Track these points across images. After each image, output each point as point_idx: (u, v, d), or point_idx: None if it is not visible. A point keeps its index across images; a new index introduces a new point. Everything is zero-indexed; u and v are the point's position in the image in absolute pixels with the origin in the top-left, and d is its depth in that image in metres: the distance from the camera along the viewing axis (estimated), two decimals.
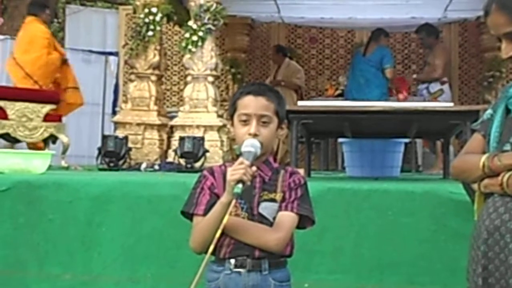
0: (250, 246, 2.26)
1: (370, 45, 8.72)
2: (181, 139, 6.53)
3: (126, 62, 8.44)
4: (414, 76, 9.09)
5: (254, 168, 2.22)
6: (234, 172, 2.18)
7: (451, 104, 5.90)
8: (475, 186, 2.11)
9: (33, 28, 7.41)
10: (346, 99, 8.11)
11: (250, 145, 2.25)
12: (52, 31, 8.32)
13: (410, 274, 3.75)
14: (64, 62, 7.55)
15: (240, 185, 2.15)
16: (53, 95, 6.89)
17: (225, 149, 6.98)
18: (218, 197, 2.26)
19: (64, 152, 6.75)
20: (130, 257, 4.01)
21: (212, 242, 2.18)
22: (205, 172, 2.40)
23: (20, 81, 7.17)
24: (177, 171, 6.29)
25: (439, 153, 7.53)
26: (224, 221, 2.17)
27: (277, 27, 10.97)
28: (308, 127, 5.27)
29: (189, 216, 2.35)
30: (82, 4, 14.21)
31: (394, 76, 8.70)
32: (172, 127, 7.27)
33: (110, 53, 11.67)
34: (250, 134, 2.30)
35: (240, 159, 2.21)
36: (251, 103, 2.35)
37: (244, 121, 2.34)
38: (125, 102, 7.70)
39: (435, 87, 8.29)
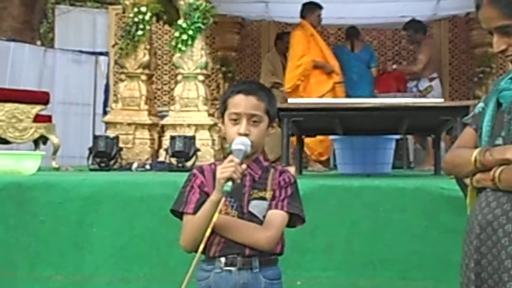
0: (240, 244, 2.26)
1: (356, 42, 8.79)
2: (172, 138, 6.51)
3: (116, 62, 8.40)
4: (394, 66, 9.03)
5: (244, 166, 2.22)
6: (224, 170, 2.17)
7: (442, 100, 5.91)
8: (467, 180, 2.11)
9: None
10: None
11: (240, 143, 2.25)
12: (42, 32, 8.27)
13: (402, 269, 3.76)
14: None
15: (230, 183, 2.15)
16: (43, 96, 6.85)
17: (216, 148, 6.97)
18: (208, 195, 2.26)
19: (54, 152, 6.71)
20: (122, 257, 4.00)
21: (203, 240, 2.17)
22: (195, 171, 2.40)
23: None
24: (168, 171, 6.27)
25: (430, 149, 7.54)
26: (214, 219, 2.16)
27: (267, 25, 10.95)
28: (299, 124, 5.27)
29: (178, 214, 2.34)
30: (71, 4, 14.21)
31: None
32: (163, 126, 7.25)
33: (100, 53, 11.65)
34: (240, 134, 2.30)
35: (230, 157, 2.21)
36: (241, 102, 2.34)
37: (235, 120, 2.34)
38: (116, 102, 7.67)
39: (424, 84, 8.32)
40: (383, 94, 8.04)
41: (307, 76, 7.55)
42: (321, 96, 7.39)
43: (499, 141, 2.03)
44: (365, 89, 8.30)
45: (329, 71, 7.61)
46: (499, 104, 2.10)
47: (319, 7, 7.75)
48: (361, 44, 8.88)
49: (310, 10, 7.72)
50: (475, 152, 2.03)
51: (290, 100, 5.75)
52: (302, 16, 7.76)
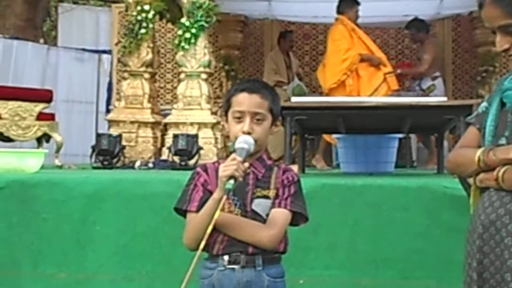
0: (243, 243, 2.26)
1: None
2: (175, 136, 6.52)
3: (119, 60, 8.41)
4: (399, 71, 9.01)
5: (246, 164, 2.22)
6: (226, 168, 2.18)
7: (445, 98, 5.90)
8: (470, 180, 2.10)
9: None
10: None
11: (243, 142, 2.26)
12: (45, 30, 8.24)
13: (404, 268, 3.76)
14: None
15: (231, 181, 2.16)
16: (46, 94, 6.86)
17: (219, 146, 6.98)
18: (211, 193, 2.26)
19: (57, 151, 6.72)
20: (125, 255, 4.00)
21: (204, 238, 2.17)
22: (198, 169, 2.40)
23: None
24: (171, 169, 6.28)
25: (433, 148, 7.53)
26: (215, 217, 2.17)
27: (270, 24, 10.96)
28: (302, 123, 5.26)
29: (182, 212, 2.35)
30: (74, 3, 14.20)
31: None
32: (166, 124, 7.25)
33: (103, 51, 11.65)
34: (243, 132, 2.30)
35: (232, 155, 2.22)
36: (245, 101, 2.34)
37: (238, 118, 2.34)
38: (119, 100, 7.67)
39: (426, 83, 8.30)
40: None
41: (355, 71, 7.29)
42: (376, 90, 7.22)
43: (503, 140, 2.03)
44: None
45: (376, 63, 7.40)
46: (502, 104, 2.09)
47: (357, 3, 7.60)
48: None
49: (349, 6, 7.55)
50: (479, 151, 2.02)
51: (293, 99, 5.74)
52: (340, 12, 7.56)
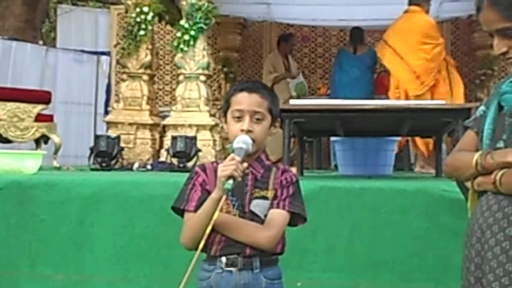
0: (241, 244, 2.26)
1: (359, 46, 8.77)
2: (174, 138, 6.51)
3: (118, 62, 8.41)
4: None
5: (245, 164, 2.22)
6: (225, 168, 2.18)
7: (443, 101, 5.90)
8: (468, 184, 2.10)
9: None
10: (337, 97, 8.12)
11: (242, 142, 2.26)
12: (44, 31, 8.23)
13: (403, 271, 3.75)
14: None
15: (230, 181, 2.15)
16: (45, 95, 6.85)
17: (217, 148, 6.98)
18: (209, 193, 2.26)
19: (56, 152, 6.72)
20: (123, 256, 4.00)
21: (203, 238, 2.17)
22: (197, 169, 2.41)
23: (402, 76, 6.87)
24: (169, 171, 6.27)
25: (432, 150, 7.52)
26: (214, 217, 2.17)
27: (269, 26, 10.98)
28: (300, 125, 5.26)
29: (180, 212, 2.35)
30: (73, 4, 14.20)
31: None
32: (164, 126, 7.25)
33: (102, 53, 11.66)
34: (243, 130, 2.30)
35: (231, 155, 2.21)
36: (244, 100, 2.35)
37: (238, 117, 2.34)
38: (117, 101, 7.67)
39: None
40: (384, 96, 8.04)
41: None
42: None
43: (500, 144, 2.03)
44: (367, 88, 8.32)
45: None
46: (500, 107, 2.09)
47: None
48: (365, 48, 8.89)
49: None
50: (476, 155, 2.02)
51: (292, 102, 5.74)
52: (414, 3, 7.08)
